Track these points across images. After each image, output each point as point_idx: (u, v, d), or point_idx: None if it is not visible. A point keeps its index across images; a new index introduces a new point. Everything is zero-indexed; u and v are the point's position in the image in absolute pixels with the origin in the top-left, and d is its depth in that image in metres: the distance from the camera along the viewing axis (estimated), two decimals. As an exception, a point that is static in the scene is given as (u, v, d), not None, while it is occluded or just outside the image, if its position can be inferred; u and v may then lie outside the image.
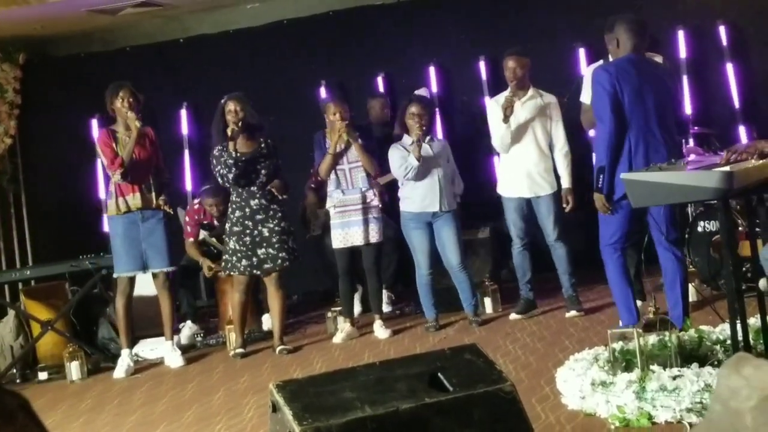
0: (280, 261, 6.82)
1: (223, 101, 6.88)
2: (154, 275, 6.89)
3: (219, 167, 6.78)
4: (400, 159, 6.86)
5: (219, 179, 6.87)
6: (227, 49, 9.55)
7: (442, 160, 6.96)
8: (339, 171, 6.99)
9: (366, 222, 6.97)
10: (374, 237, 7.00)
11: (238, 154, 6.77)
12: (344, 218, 6.98)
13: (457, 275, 7.02)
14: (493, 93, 8.64)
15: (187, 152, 9.64)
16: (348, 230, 6.97)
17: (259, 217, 6.83)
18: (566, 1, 8.68)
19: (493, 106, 7.00)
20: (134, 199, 6.79)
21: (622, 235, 5.50)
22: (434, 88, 9.03)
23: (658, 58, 6.27)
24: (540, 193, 6.83)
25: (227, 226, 6.95)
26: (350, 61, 9.25)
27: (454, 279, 7.05)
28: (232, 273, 6.94)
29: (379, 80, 9.20)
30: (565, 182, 6.84)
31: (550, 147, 6.88)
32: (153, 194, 6.85)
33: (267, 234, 6.82)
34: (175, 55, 9.70)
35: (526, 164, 6.82)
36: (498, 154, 7.36)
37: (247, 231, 6.83)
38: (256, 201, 6.83)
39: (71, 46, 9.79)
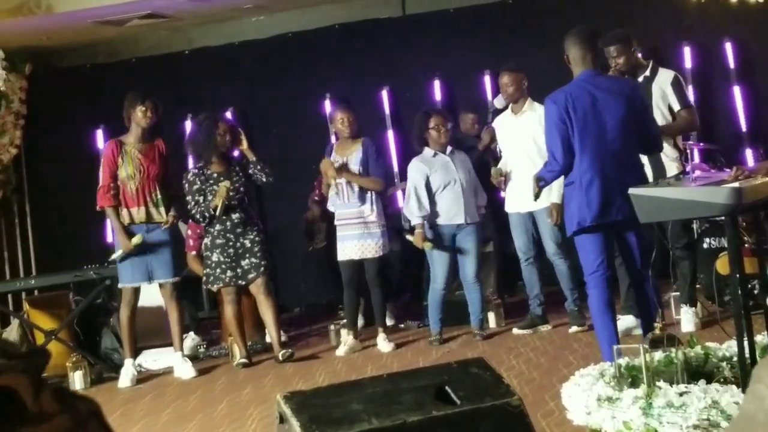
0: (262, 268, 6.91)
1: (209, 119, 6.95)
2: (161, 286, 6.88)
3: (195, 195, 6.89)
4: (416, 201, 6.90)
5: (194, 209, 6.92)
6: (232, 61, 9.57)
7: (463, 171, 6.96)
8: (338, 184, 7.00)
9: (364, 236, 6.95)
10: (374, 251, 6.98)
11: (216, 174, 6.90)
12: (344, 231, 7.01)
13: (470, 288, 7.01)
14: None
15: (191, 164, 9.61)
16: (346, 243, 6.99)
17: (239, 230, 6.94)
18: (572, 17, 8.69)
19: (496, 125, 7.13)
20: (138, 213, 6.78)
21: (602, 261, 5.19)
22: (438, 101, 9.04)
23: (668, 74, 6.24)
24: (540, 206, 6.79)
25: (207, 240, 7.00)
26: (355, 75, 9.27)
27: (467, 291, 7.04)
28: (215, 286, 6.99)
29: (384, 93, 9.21)
30: (554, 197, 6.65)
31: None
32: (159, 209, 6.83)
33: (249, 245, 6.93)
34: (180, 67, 9.72)
35: (526, 178, 6.76)
36: None
37: (230, 243, 6.92)
38: (237, 215, 6.93)
39: (77, 57, 9.81)
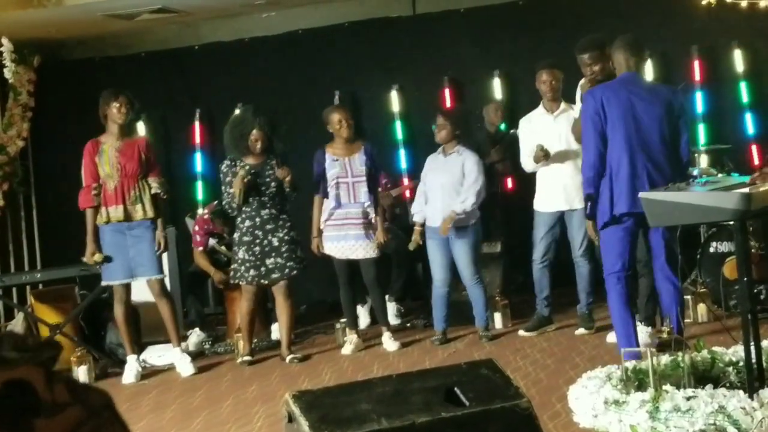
0: (288, 270, 6.84)
1: (250, 116, 6.91)
2: (149, 283, 6.84)
3: (226, 187, 6.87)
4: (419, 199, 7.09)
5: (225, 200, 6.90)
6: (242, 57, 9.56)
7: (450, 175, 6.95)
8: (343, 184, 6.97)
9: (365, 237, 6.95)
10: (372, 252, 6.97)
11: (248, 167, 6.81)
12: (341, 231, 6.95)
13: (470, 288, 7.01)
14: (507, 106, 8.70)
15: (198, 160, 9.65)
16: (346, 243, 6.96)
17: (269, 226, 6.85)
18: (582, 19, 8.68)
19: (524, 125, 7.03)
20: (116, 212, 6.72)
21: (624, 262, 5.37)
22: (448, 101, 9.04)
23: None
24: (575, 206, 6.69)
25: (236, 235, 6.95)
26: (365, 73, 9.26)
27: (468, 292, 7.04)
28: (240, 283, 6.95)
29: (394, 93, 9.21)
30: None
31: None
32: (139, 206, 6.75)
33: (277, 243, 6.83)
34: (190, 62, 9.71)
35: (563, 177, 6.73)
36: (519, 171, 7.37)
37: (257, 240, 6.84)
38: (267, 211, 6.85)
39: (86, 50, 9.81)
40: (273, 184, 6.87)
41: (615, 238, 5.33)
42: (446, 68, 9.12)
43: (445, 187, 6.94)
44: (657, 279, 5.53)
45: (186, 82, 9.67)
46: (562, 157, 6.75)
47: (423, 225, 7.06)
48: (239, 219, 6.92)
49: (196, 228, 7.88)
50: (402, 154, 9.18)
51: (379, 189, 7.37)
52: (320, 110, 8.81)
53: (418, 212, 7.10)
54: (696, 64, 8.47)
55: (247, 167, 6.79)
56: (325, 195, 7.00)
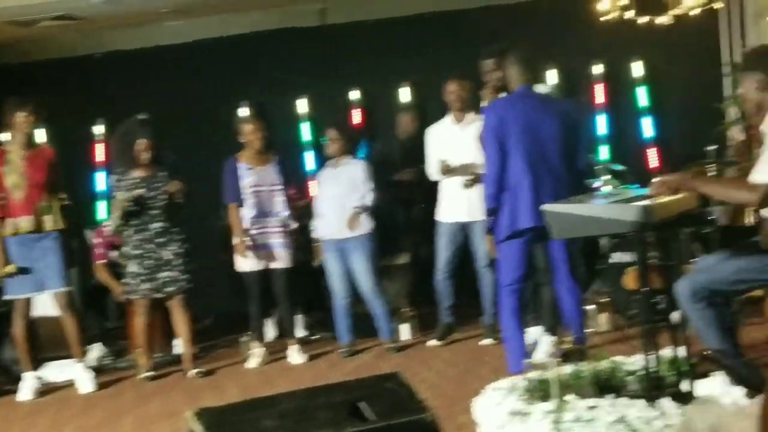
0: (182, 283, 6.81)
1: (134, 127, 6.82)
2: (55, 296, 6.67)
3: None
4: (315, 210, 7.13)
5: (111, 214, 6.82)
6: (146, 65, 9.42)
7: (344, 186, 6.96)
8: (260, 193, 6.96)
9: (283, 246, 6.99)
10: (287, 261, 7.00)
11: (138, 179, 6.76)
12: (261, 240, 6.94)
13: (371, 301, 7.02)
14: (417, 117, 8.76)
15: (100, 171, 9.44)
16: (262, 252, 6.95)
17: (160, 240, 6.81)
18: (489, 33, 8.78)
19: (431, 135, 7.05)
20: (24, 222, 6.55)
21: (520, 276, 5.42)
22: (357, 112, 9.05)
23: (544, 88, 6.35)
24: (477, 218, 6.80)
25: (126, 248, 6.86)
26: (273, 83, 9.21)
27: (369, 305, 7.05)
28: (133, 297, 6.84)
29: (299, 103, 9.18)
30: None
31: None
32: (48, 216, 6.60)
33: (170, 256, 6.80)
34: (93, 70, 9.53)
35: (467, 189, 6.77)
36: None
37: (149, 254, 6.80)
38: (158, 224, 6.81)
39: (-17, 57, 9.53)
40: (163, 196, 6.81)
41: (513, 251, 5.37)
42: (355, 79, 9.13)
43: (337, 198, 6.95)
44: (559, 290, 5.60)
45: (88, 91, 9.47)
46: (468, 169, 6.80)
47: None
48: (128, 232, 6.82)
49: (97, 241, 7.70)
50: (310, 163, 9.14)
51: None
52: (227, 120, 8.73)
53: (315, 227, 7.10)
54: (597, 79, 8.67)
55: (126, 194, 6.70)
56: (240, 203, 6.94)
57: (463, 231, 6.91)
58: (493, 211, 5.38)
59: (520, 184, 5.27)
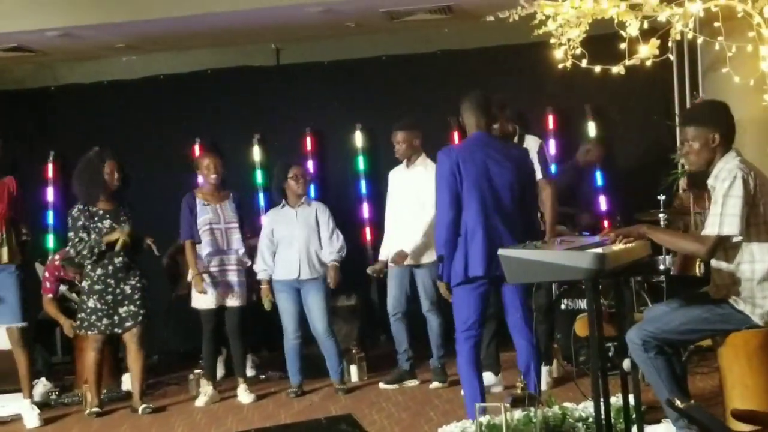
0: (141, 318, 6.77)
1: (96, 156, 6.78)
2: (8, 331, 6.57)
3: (78, 232, 6.72)
4: (260, 256, 7.03)
5: (72, 247, 6.74)
6: (100, 100, 9.37)
7: (305, 226, 6.98)
8: (216, 230, 6.95)
9: (239, 284, 6.99)
10: (242, 299, 6.99)
11: (102, 212, 6.73)
12: (218, 278, 6.92)
13: (323, 342, 7.00)
14: (368, 161, 8.82)
15: (51, 204, 9.34)
16: (219, 290, 6.91)
17: (121, 275, 6.78)
18: (444, 78, 8.88)
19: (390, 178, 7.14)
20: None
21: (475, 322, 5.36)
22: (310, 153, 9.07)
23: (534, 142, 6.42)
24: (423, 261, 6.86)
25: (85, 284, 6.80)
26: (226, 121, 9.21)
27: (321, 346, 7.03)
28: (88, 333, 6.77)
29: (255, 142, 9.18)
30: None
31: None
32: (5, 249, 6.51)
33: (129, 291, 6.78)
34: (46, 103, 9.45)
35: (413, 234, 6.84)
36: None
37: (110, 289, 6.74)
38: (120, 259, 6.76)
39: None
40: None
41: (467, 298, 5.32)
42: (309, 120, 9.16)
43: (299, 239, 6.95)
44: (512, 336, 5.60)
45: (41, 124, 9.39)
46: (414, 214, 6.85)
47: (270, 281, 7.02)
48: (89, 267, 6.75)
49: (46, 274, 7.60)
50: (262, 203, 9.12)
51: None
52: (180, 156, 8.70)
53: (262, 270, 7.06)
54: (550, 122, 8.81)
55: (125, 227, 6.73)
56: (196, 239, 6.91)
57: (411, 274, 6.95)
58: (442, 258, 5.35)
59: (474, 231, 5.24)
